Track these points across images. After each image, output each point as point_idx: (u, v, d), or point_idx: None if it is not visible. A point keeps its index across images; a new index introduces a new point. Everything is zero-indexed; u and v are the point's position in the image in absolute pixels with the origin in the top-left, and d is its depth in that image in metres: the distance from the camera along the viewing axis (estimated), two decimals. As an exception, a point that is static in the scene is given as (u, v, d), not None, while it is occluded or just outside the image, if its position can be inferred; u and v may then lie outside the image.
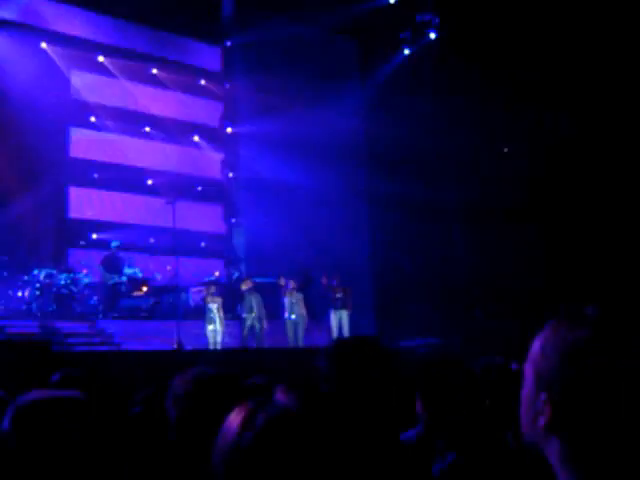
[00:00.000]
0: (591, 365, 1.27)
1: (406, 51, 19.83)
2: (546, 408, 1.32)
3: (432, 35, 19.24)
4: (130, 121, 20.32)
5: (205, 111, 22.03)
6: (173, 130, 20.99)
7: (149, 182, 20.23)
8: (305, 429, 1.10)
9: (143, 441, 2.80)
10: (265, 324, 15.56)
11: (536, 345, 1.38)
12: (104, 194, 19.62)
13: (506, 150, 18.65)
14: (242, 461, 1.09)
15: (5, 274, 15.72)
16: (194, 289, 17.31)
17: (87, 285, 16.09)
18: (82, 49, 19.33)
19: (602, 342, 1.28)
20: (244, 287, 15.83)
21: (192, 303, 17.19)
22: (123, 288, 16.38)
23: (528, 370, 1.39)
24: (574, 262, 16.15)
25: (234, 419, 1.16)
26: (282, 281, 16.05)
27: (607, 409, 1.26)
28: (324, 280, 16.03)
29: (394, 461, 1.13)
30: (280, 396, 1.17)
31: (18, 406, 2.01)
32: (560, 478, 1.32)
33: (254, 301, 15.53)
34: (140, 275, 16.88)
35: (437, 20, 19.03)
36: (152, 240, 19.56)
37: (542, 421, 1.32)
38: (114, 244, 16.85)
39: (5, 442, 1.78)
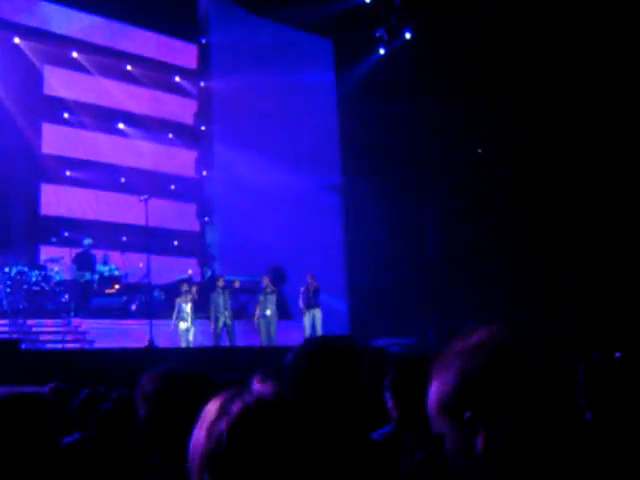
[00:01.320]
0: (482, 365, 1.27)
1: (381, 51, 19.86)
2: (477, 427, 1.30)
3: (407, 35, 19.28)
4: (104, 118, 20.19)
5: (179, 109, 21.93)
6: (147, 127, 20.88)
7: (122, 180, 20.11)
8: (280, 417, 1.11)
9: (113, 438, 2.79)
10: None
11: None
12: (77, 191, 19.47)
13: (480, 151, 18.74)
14: (217, 448, 1.09)
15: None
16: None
17: (59, 282, 15.95)
18: (56, 45, 19.17)
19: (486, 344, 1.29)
20: (217, 285, 15.81)
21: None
22: (95, 286, 16.28)
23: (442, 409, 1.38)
24: (550, 261, 16.28)
25: (211, 408, 1.16)
26: (266, 281, 16.03)
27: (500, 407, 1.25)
28: (310, 279, 16.02)
29: (362, 459, 1.13)
30: (257, 385, 1.17)
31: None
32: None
33: (226, 300, 15.51)
34: (115, 273, 16.77)
35: (411, 20, 19.08)
36: (125, 238, 19.45)
37: (480, 444, 1.30)
38: (86, 242, 16.74)
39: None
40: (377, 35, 19.84)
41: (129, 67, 20.63)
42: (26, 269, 15.48)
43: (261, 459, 1.06)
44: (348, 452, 1.13)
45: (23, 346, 11.69)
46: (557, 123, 16.47)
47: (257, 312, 15.78)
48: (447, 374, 1.30)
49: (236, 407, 1.11)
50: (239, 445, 1.08)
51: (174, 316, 15.12)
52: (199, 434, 1.14)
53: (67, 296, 15.94)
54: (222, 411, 1.13)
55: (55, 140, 19.47)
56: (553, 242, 16.39)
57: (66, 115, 19.70)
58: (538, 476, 1.24)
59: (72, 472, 3.21)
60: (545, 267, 16.09)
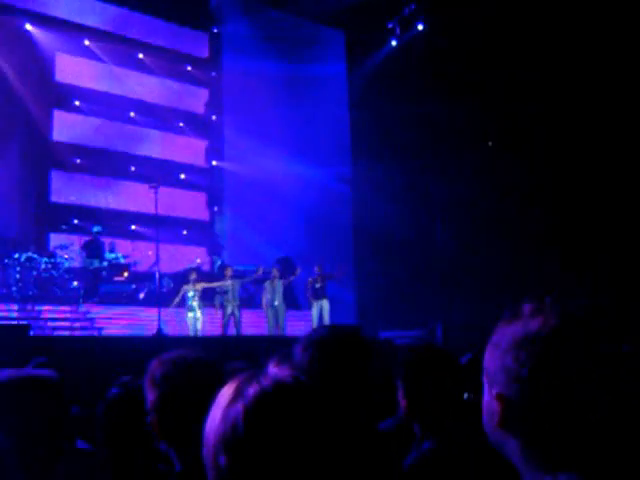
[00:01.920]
0: (533, 355, 1.27)
1: (393, 42, 19.80)
2: (497, 404, 1.31)
3: (420, 27, 19.22)
4: (115, 106, 20.19)
5: (191, 98, 21.92)
6: (158, 116, 20.89)
7: (132, 168, 20.13)
8: (297, 400, 1.10)
9: (120, 424, 2.79)
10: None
11: (487, 345, 1.38)
12: (87, 179, 19.50)
13: (490, 144, 18.68)
14: (232, 431, 1.09)
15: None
16: None
17: (68, 269, 15.99)
18: (68, 32, 19.16)
19: (540, 333, 1.28)
20: (225, 275, 15.83)
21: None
22: (104, 273, 16.31)
23: (483, 370, 1.39)
24: (564, 254, 16.22)
25: (226, 391, 1.16)
26: (275, 272, 16.02)
27: (554, 401, 1.25)
28: (317, 270, 16.03)
29: (370, 447, 1.13)
30: (273, 369, 1.16)
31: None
32: (523, 476, 1.32)
33: (234, 289, 15.52)
34: (122, 260, 16.80)
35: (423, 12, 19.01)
36: (134, 226, 19.50)
37: (496, 418, 1.32)
38: (95, 229, 16.76)
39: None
40: (389, 26, 19.79)
41: (141, 55, 20.62)
42: (35, 256, 15.51)
43: (277, 442, 1.06)
44: (357, 440, 1.12)
45: (32, 332, 11.73)
46: (573, 114, 16.38)
47: (264, 300, 15.77)
48: (496, 351, 1.33)
49: (252, 390, 1.11)
50: (255, 427, 1.07)
51: (176, 301, 15.16)
52: (214, 417, 1.14)
53: (76, 283, 15.99)
54: (238, 394, 1.12)
55: (66, 128, 19.49)
56: (566, 234, 16.34)
57: (77, 103, 19.71)
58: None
59: (79, 454, 3.22)
60: (558, 260, 16.03)
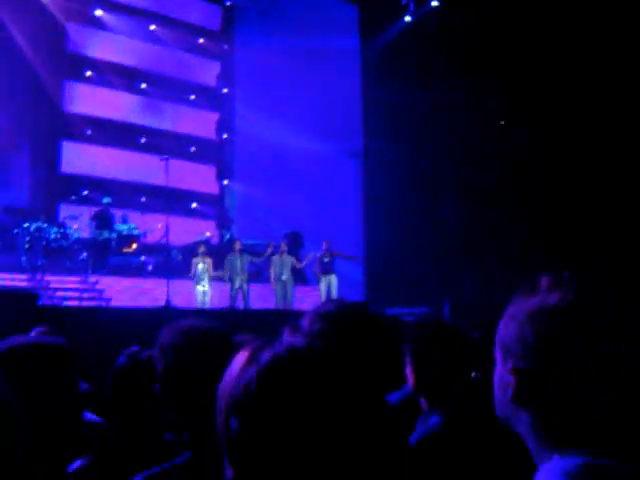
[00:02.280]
0: (551, 329, 1.26)
1: (407, 18, 19.66)
2: (512, 378, 1.31)
3: (434, 2, 19.07)
4: (126, 77, 20.19)
5: (202, 70, 21.86)
6: (169, 88, 20.84)
7: (143, 140, 20.13)
8: (311, 367, 1.11)
9: (128, 393, 2.81)
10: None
11: (502, 317, 1.38)
12: (97, 149, 19.50)
13: (502, 122, 18.59)
14: (245, 395, 1.10)
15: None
16: None
17: (77, 240, 16.04)
18: (80, 2, 19.11)
19: (559, 307, 1.28)
20: (234, 248, 15.86)
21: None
22: (113, 244, 16.35)
23: (496, 343, 1.38)
24: (572, 227, 16.18)
25: (240, 357, 1.16)
26: (283, 246, 16.05)
27: (572, 374, 1.25)
28: (325, 245, 16.05)
29: (380, 419, 1.13)
30: (287, 336, 1.17)
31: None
32: (531, 450, 1.32)
33: (242, 263, 15.55)
34: (134, 232, 16.81)
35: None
36: (144, 198, 19.52)
37: (509, 392, 1.31)
38: (105, 200, 16.79)
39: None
40: (403, 2, 19.64)
41: (153, 27, 20.54)
42: (45, 226, 15.56)
43: (288, 406, 1.07)
44: (368, 409, 1.13)
45: (40, 302, 11.78)
46: (589, 92, 16.28)
47: (272, 274, 15.80)
48: (512, 323, 1.33)
49: (266, 355, 1.12)
50: (267, 391, 1.08)
51: (193, 273, 15.19)
52: (227, 381, 1.15)
53: (85, 254, 16.04)
54: (252, 358, 1.13)
55: (77, 98, 19.48)
56: (577, 215, 16.28)
57: (89, 73, 19.69)
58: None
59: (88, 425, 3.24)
60: (567, 238, 15.98)
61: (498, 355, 1.37)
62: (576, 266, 1.43)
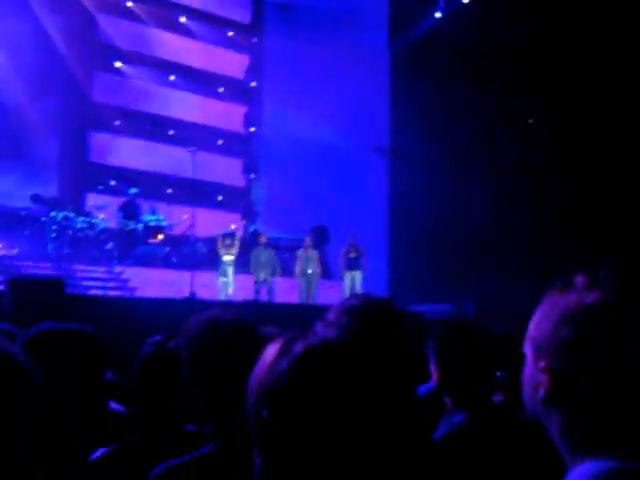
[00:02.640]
0: (588, 329, 1.24)
1: (437, 14, 19.55)
2: (544, 377, 1.29)
3: (465, -1, 18.95)
4: (156, 69, 20.28)
5: (231, 63, 21.92)
6: (198, 80, 20.92)
7: (170, 132, 20.21)
8: (344, 359, 1.10)
9: (152, 383, 2.82)
10: (279, 273, 15.68)
11: (535, 315, 1.35)
12: (125, 140, 19.62)
13: (531, 121, 18.47)
14: (276, 386, 1.09)
15: (22, 214, 15.80)
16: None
17: (103, 230, 16.14)
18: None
19: (597, 306, 1.26)
20: (259, 241, 15.89)
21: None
22: (139, 235, 16.43)
23: (527, 340, 1.36)
24: (597, 225, 16.03)
25: (271, 348, 1.16)
26: (308, 240, 16.07)
27: (608, 375, 1.23)
28: (350, 240, 16.06)
29: (409, 413, 1.12)
30: (320, 328, 1.16)
31: (28, 336, 2.03)
32: (562, 452, 1.30)
33: (267, 256, 15.57)
34: (162, 223, 16.87)
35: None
36: (170, 190, 19.61)
37: (541, 392, 1.29)
38: (132, 191, 16.87)
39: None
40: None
41: (183, 19, 20.62)
42: (72, 215, 15.67)
43: (319, 397, 1.06)
44: (399, 403, 1.12)
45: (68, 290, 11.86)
46: (621, 93, 16.12)
47: (297, 269, 15.82)
48: (546, 321, 1.31)
49: (299, 346, 1.11)
50: (300, 383, 1.08)
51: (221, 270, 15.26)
52: (259, 371, 1.15)
53: (111, 244, 16.14)
54: (284, 350, 1.13)
55: (107, 89, 19.61)
56: (605, 215, 16.13)
57: (118, 64, 19.80)
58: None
59: (114, 415, 3.26)
60: (596, 237, 15.83)
61: (529, 353, 1.35)
62: (608, 265, 1.41)
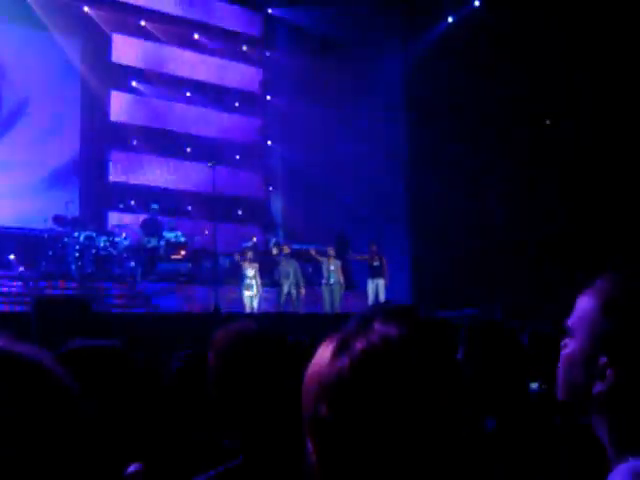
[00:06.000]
0: None
1: (450, 18, 19.55)
2: (608, 373, 1.25)
3: (477, 2, 18.94)
4: (171, 86, 20.39)
5: (245, 77, 21.99)
6: (213, 96, 21.01)
7: (188, 149, 20.30)
8: (404, 357, 1.10)
9: (183, 396, 2.82)
10: (302, 291, 15.68)
11: (589, 302, 1.31)
12: (143, 158, 19.73)
13: (548, 122, 18.38)
14: (336, 382, 1.09)
15: (45, 236, 15.88)
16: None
17: (126, 248, 16.22)
18: (124, 13, 19.35)
19: None
20: (282, 253, 15.91)
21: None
22: (161, 251, 16.48)
23: (578, 327, 1.32)
24: (620, 227, 15.91)
25: (326, 348, 1.15)
26: (331, 252, 16.09)
27: None
28: (372, 248, 16.08)
29: (462, 413, 1.11)
30: (378, 325, 1.15)
31: (59, 354, 2.04)
32: (610, 451, 1.28)
33: (291, 267, 15.59)
34: (182, 239, 16.92)
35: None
36: (190, 206, 19.70)
37: (600, 387, 1.26)
38: (153, 207, 16.96)
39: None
40: (446, 1, 19.52)
41: (196, 35, 20.73)
42: (94, 234, 15.76)
43: (382, 395, 1.06)
44: (456, 403, 1.12)
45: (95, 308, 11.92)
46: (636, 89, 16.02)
47: (324, 280, 15.88)
48: (614, 317, 1.28)
49: (360, 343, 1.11)
50: (361, 379, 1.07)
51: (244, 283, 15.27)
52: (315, 369, 1.13)
53: (133, 262, 16.21)
54: (344, 346, 1.12)
55: (123, 108, 19.73)
56: (630, 217, 15.99)
57: (134, 83, 19.94)
58: None
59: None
60: (622, 235, 15.69)
61: (581, 340, 1.31)
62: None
